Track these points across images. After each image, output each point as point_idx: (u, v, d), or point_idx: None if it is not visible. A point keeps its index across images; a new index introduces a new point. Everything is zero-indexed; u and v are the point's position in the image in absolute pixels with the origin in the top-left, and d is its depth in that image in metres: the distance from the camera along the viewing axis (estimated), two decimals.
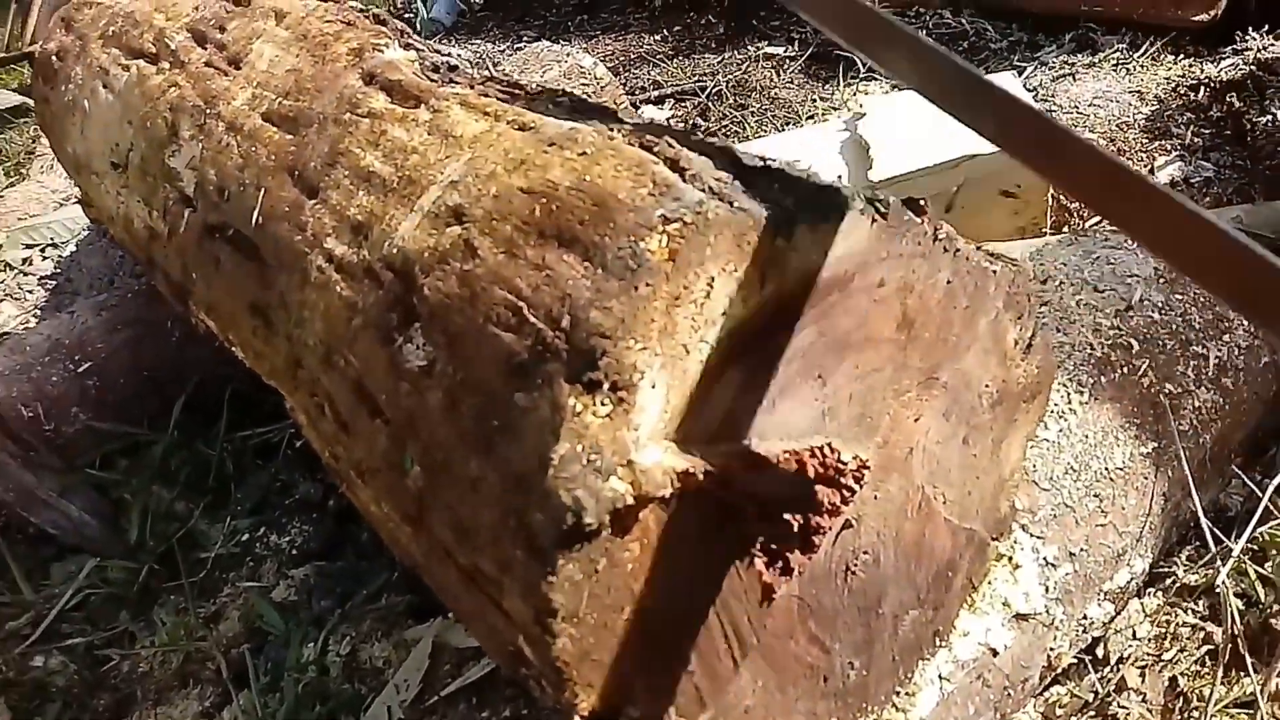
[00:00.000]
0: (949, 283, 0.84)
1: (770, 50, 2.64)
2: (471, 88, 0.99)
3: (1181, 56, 1.99)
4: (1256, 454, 1.24)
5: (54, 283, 2.80)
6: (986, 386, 0.92)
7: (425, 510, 0.76)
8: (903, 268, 0.79)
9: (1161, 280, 1.22)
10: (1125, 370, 1.14)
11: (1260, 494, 1.11)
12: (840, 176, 1.72)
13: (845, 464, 0.79)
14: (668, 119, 2.52)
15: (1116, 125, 1.85)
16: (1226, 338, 1.19)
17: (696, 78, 2.65)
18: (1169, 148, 1.79)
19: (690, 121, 2.46)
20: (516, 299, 0.69)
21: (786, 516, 0.71)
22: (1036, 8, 2.34)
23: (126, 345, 1.85)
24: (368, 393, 0.83)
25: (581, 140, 0.75)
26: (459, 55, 3.12)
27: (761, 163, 0.76)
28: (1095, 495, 1.08)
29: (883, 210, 0.76)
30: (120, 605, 1.70)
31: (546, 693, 0.70)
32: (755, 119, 2.39)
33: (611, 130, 0.79)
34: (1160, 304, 1.20)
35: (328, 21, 1.22)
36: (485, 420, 0.69)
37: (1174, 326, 1.18)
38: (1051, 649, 1.06)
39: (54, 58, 1.80)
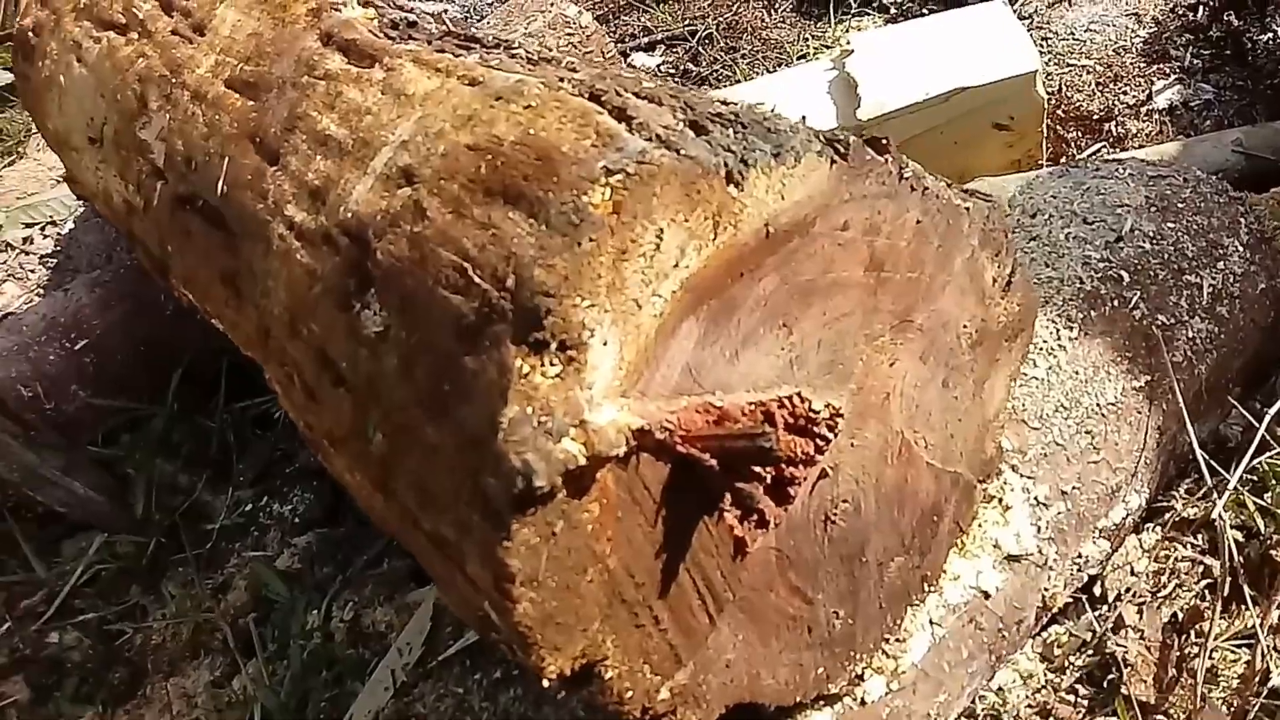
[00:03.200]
0: (919, 222, 0.82)
1: None
2: (429, 43, 0.96)
3: None
4: (1257, 382, 1.22)
5: (55, 261, 2.81)
6: (965, 327, 0.90)
7: (390, 477, 0.75)
8: (867, 209, 0.77)
9: (1153, 209, 1.19)
10: (1116, 303, 1.11)
11: (1257, 424, 1.08)
12: (830, 115, 1.68)
13: (817, 413, 0.77)
14: (658, 65, 2.47)
15: (1113, 50, 1.80)
16: (1221, 265, 1.16)
17: (686, 22, 2.59)
18: (1167, 71, 1.74)
19: (680, 68, 2.42)
20: (464, 260, 0.67)
21: (755, 469, 0.69)
22: None
23: (121, 321, 1.85)
24: (330, 360, 0.82)
25: (527, 93, 0.73)
26: (434, 6, 3.07)
27: (716, 108, 0.74)
28: (1087, 432, 1.06)
29: (842, 151, 0.73)
30: (130, 579, 1.73)
31: (517, 656, 0.69)
32: (746, 62, 2.34)
33: (561, 80, 0.76)
34: (1152, 233, 1.16)
35: None
36: (439, 384, 0.67)
37: (1166, 256, 1.15)
38: (1046, 589, 1.05)
39: (30, 33, 1.78)
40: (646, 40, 2.59)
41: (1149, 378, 1.10)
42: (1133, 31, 1.82)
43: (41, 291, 2.72)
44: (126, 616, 1.68)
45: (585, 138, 0.66)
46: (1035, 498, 1.03)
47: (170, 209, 1.18)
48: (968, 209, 0.86)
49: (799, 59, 2.28)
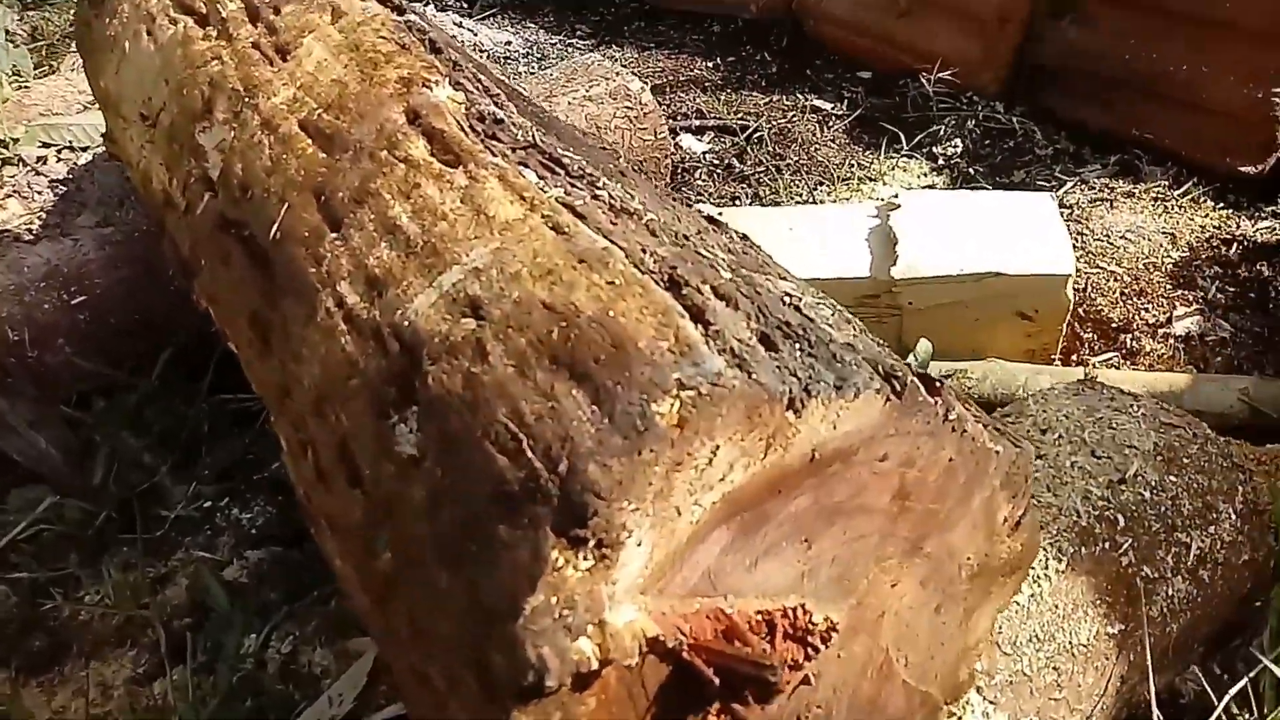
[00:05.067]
0: (951, 460, 0.83)
1: (818, 104, 2.62)
2: (513, 151, 0.97)
3: (1221, 205, 1.99)
4: (1219, 645, 1.24)
5: (64, 188, 2.77)
6: (969, 559, 0.91)
7: (390, 595, 0.75)
8: (908, 444, 0.78)
9: (1159, 458, 1.22)
10: (1107, 546, 1.14)
11: (1216, 700, 1.11)
12: (864, 263, 1.71)
13: (815, 625, 0.78)
14: (704, 153, 2.50)
15: (1144, 264, 1.85)
16: (1212, 529, 1.19)
17: (740, 115, 2.63)
18: (1190, 299, 1.79)
19: (726, 161, 2.44)
20: (518, 423, 0.67)
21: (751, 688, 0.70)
22: (1087, 120, 2.32)
23: (124, 284, 1.83)
24: (352, 457, 0.81)
25: (612, 267, 0.74)
26: (499, 35, 3.07)
27: (787, 315, 0.75)
28: (1054, 668, 1.08)
29: (898, 389, 0.75)
30: (71, 546, 1.69)
31: None
32: (790, 172, 2.37)
33: (643, 252, 0.77)
34: (1154, 483, 1.19)
35: (382, 37, 1.20)
36: (464, 537, 0.67)
37: (1162, 509, 1.18)
38: None
39: None
40: (698, 123, 2.62)
41: (1123, 626, 1.12)
42: (1165, 250, 1.87)
43: (44, 215, 2.68)
44: (58, 584, 1.64)
45: (664, 338, 0.67)
46: (985, 716, 1.05)
47: (214, 225, 1.17)
48: (998, 451, 0.87)
49: (842, 183, 2.32)
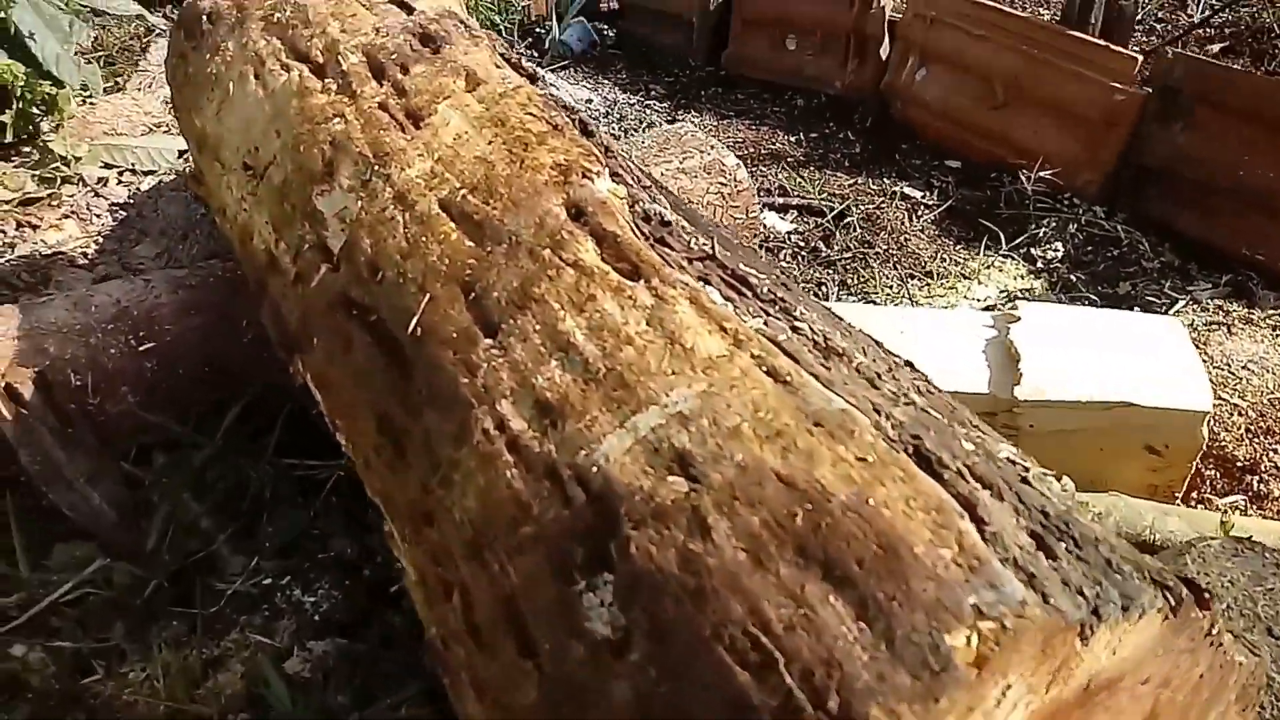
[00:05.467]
0: (1201, 676, 0.73)
1: (908, 191, 2.54)
2: (690, 263, 0.87)
3: None
4: None
5: (124, 213, 2.70)
6: None
7: None
8: (1170, 663, 0.68)
9: None
10: None
11: None
12: (983, 378, 1.61)
13: None
14: (788, 233, 2.41)
15: (1269, 399, 1.74)
16: None
17: (825, 196, 2.55)
18: None
19: (811, 244, 2.36)
20: (761, 631, 0.57)
21: None
22: (1193, 234, 2.24)
23: (195, 333, 1.73)
24: (522, 622, 0.70)
25: (858, 437, 0.63)
26: (580, 93, 2.99)
27: (1043, 504, 0.65)
28: None
29: (1174, 605, 0.64)
30: (118, 615, 1.57)
31: None
32: (879, 261, 2.28)
33: (878, 413, 0.67)
34: None
35: (530, 114, 1.11)
36: None
37: None
38: None
39: (204, 18, 1.69)
40: (782, 202, 2.54)
41: None
42: None
43: (101, 240, 2.60)
44: (101, 655, 1.53)
45: (944, 544, 0.56)
46: None
47: (334, 302, 1.08)
48: (1240, 663, 0.76)
49: (938, 280, 2.22)
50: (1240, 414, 1.73)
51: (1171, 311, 1.98)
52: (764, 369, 0.72)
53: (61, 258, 2.53)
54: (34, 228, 2.60)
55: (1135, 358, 1.58)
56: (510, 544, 0.73)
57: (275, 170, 1.31)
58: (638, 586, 0.64)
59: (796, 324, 0.81)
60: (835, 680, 0.53)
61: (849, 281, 2.22)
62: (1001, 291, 2.14)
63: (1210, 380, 1.70)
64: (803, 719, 0.53)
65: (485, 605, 0.74)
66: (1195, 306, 2.00)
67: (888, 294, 2.15)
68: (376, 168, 1.13)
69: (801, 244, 2.36)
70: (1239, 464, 1.67)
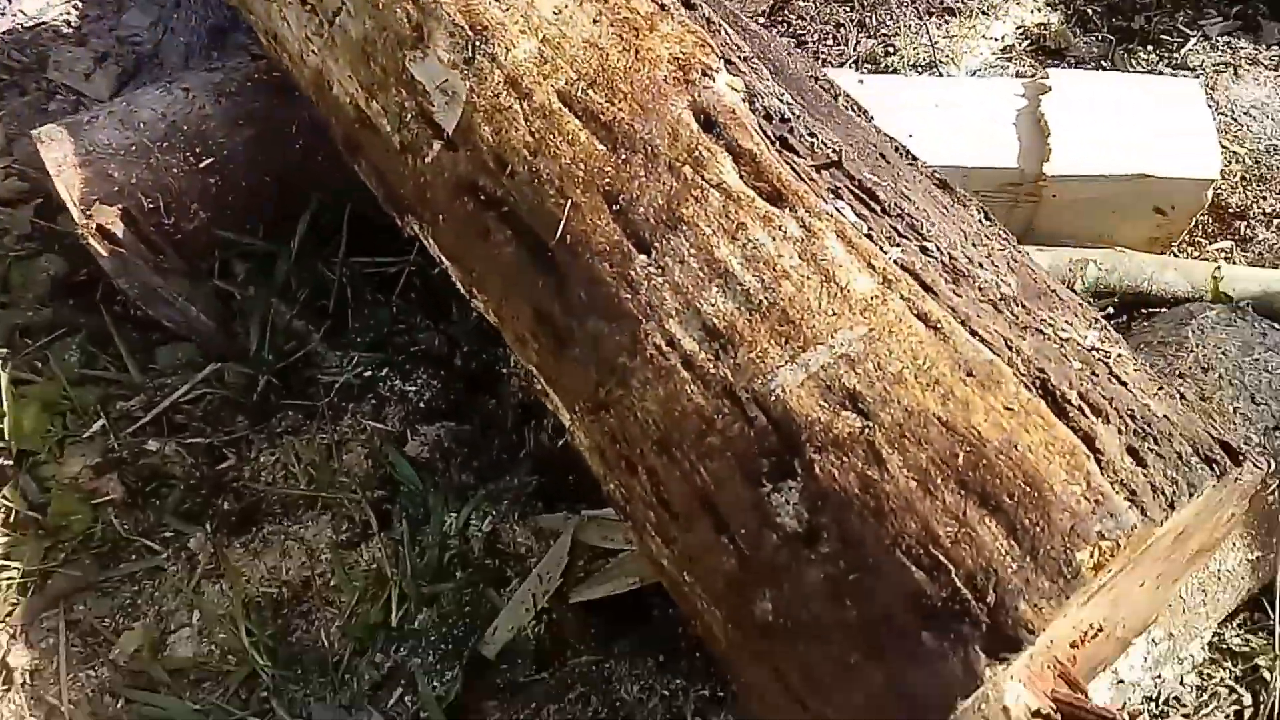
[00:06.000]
0: (1232, 515, 0.97)
1: None
2: (818, 172, 0.99)
3: None
4: None
5: None
6: (1194, 550, 1.07)
7: (769, 638, 0.89)
8: (1209, 512, 0.91)
9: None
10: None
11: None
12: (1012, 151, 1.73)
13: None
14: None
15: (1265, 146, 1.89)
16: None
17: None
18: None
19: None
20: (931, 543, 0.78)
21: None
22: None
23: (249, 145, 1.77)
24: (716, 509, 0.91)
25: (1005, 388, 0.81)
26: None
27: (1132, 411, 0.84)
28: (1203, 590, 1.29)
29: (1221, 474, 0.86)
30: (237, 411, 1.77)
31: None
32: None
33: (1013, 353, 0.84)
34: None
35: None
36: (877, 629, 0.80)
37: None
38: (1130, 699, 1.31)
39: None
40: None
41: (1260, 554, 1.32)
42: None
43: (80, 6, 2.48)
44: (231, 445, 1.75)
45: (1075, 483, 0.77)
46: (1152, 638, 1.26)
47: (459, 187, 1.17)
48: (1249, 477, 1.00)
49: (956, 16, 2.24)
50: (1238, 161, 1.89)
51: (1183, 52, 2.05)
52: (915, 313, 0.87)
53: (46, 29, 2.42)
54: None
55: (1154, 127, 1.70)
56: (699, 449, 0.92)
57: (350, 21, 1.31)
58: (824, 498, 0.84)
59: (925, 244, 0.94)
60: (992, 581, 0.75)
61: (866, 22, 2.23)
62: (1018, 27, 2.18)
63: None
64: (966, 605, 0.76)
65: (677, 491, 0.94)
66: (1206, 45, 2.07)
67: (909, 34, 2.18)
68: (478, 44, 1.16)
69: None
70: (1230, 211, 1.86)
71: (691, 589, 0.98)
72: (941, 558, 0.77)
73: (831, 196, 0.96)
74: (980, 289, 0.91)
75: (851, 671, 0.82)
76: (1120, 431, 0.81)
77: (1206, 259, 1.82)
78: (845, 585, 0.82)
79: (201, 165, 1.73)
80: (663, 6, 1.12)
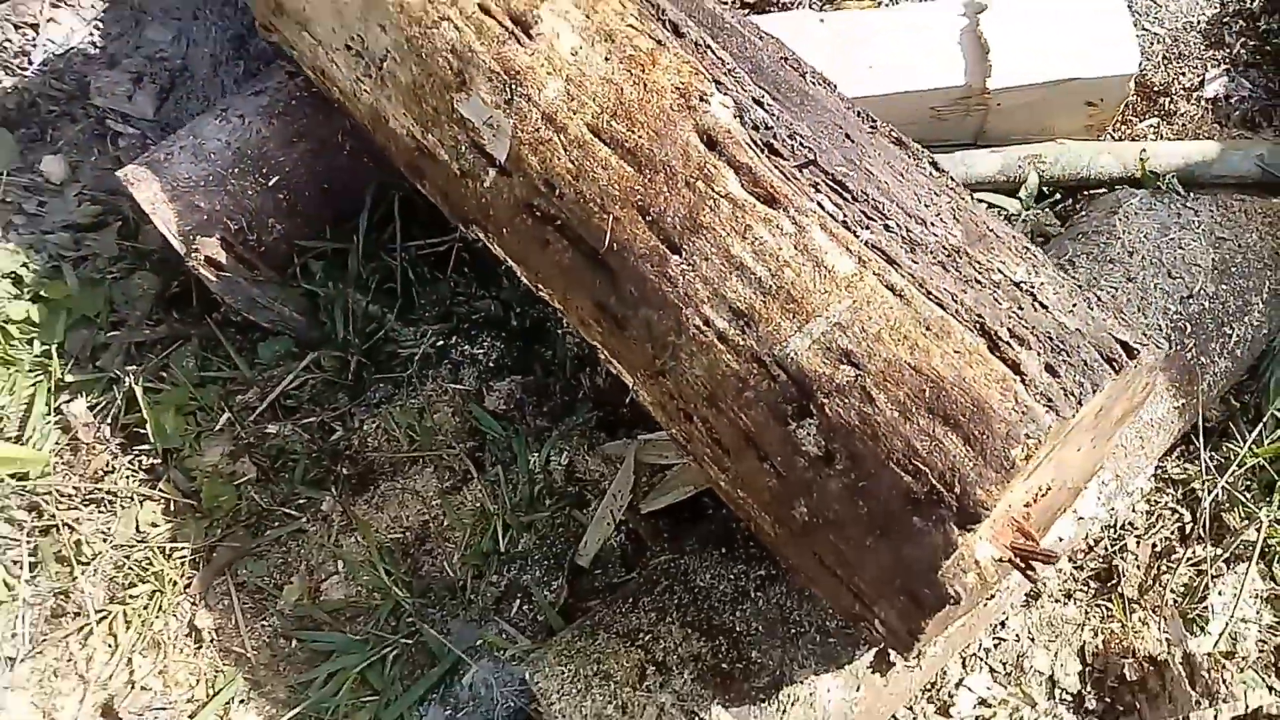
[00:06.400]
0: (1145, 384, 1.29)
1: None
2: (800, 171, 1.28)
3: None
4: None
5: None
6: (1119, 416, 1.41)
7: (808, 534, 1.23)
8: (1112, 399, 1.24)
9: (1216, 271, 1.68)
10: (1178, 347, 1.64)
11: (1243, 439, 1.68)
12: (959, 70, 1.99)
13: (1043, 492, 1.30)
14: None
15: (1182, 25, 2.13)
16: (1247, 319, 1.69)
17: None
18: (1219, 59, 2.11)
19: None
20: (913, 454, 1.11)
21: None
22: None
23: (305, 159, 2.04)
24: (758, 444, 1.25)
25: (955, 338, 1.13)
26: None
27: (1051, 329, 1.16)
28: (1140, 437, 1.63)
29: (1119, 368, 1.18)
30: (337, 390, 2.10)
31: (883, 640, 1.24)
32: None
33: (957, 305, 1.15)
34: (1211, 294, 1.67)
35: (631, 27, 1.40)
36: (881, 518, 1.14)
37: (1216, 313, 1.66)
38: (1091, 529, 1.67)
39: None
40: None
41: (1185, 401, 1.66)
42: (1199, 6, 2.14)
43: (100, 26, 2.68)
44: (338, 420, 2.08)
45: (1007, 401, 1.09)
46: (1102, 480, 1.62)
47: (517, 207, 1.46)
48: (1152, 358, 1.33)
49: None
50: (1159, 42, 2.14)
51: None
52: (885, 285, 1.18)
53: (77, 55, 2.63)
54: (33, 27, 2.66)
55: (1080, 31, 1.95)
56: (739, 402, 1.25)
57: (397, 68, 1.57)
58: (835, 430, 1.17)
59: (887, 222, 1.24)
60: (957, 478, 1.09)
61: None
62: None
63: (1136, 11, 2.09)
64: (941, 496, 1.09)
65: (726, 433, 1.28)
66: None
67: None
68: (515, 87, 1.43)
69: None
70: (1155, 89, 2.12)
71: (745, 501, 1.32)
72: (921, 464, 1.11)
73: (813, 191, 1.26)
74: (932, 252, 1.22)
75: (867, 550, 1.17)
76: (1039, 354, 1.13)
77: (1137, 138, 2.09)
78: (856, 490, 1.16)
79: (270, 184, 2.01)
80: (659, 41, 1.38)
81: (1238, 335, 1.68)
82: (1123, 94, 2.00)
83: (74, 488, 2.04)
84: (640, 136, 1.34)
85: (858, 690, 1.46)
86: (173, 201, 1.96)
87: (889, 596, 1.18)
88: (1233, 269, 1.69)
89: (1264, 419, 1.72)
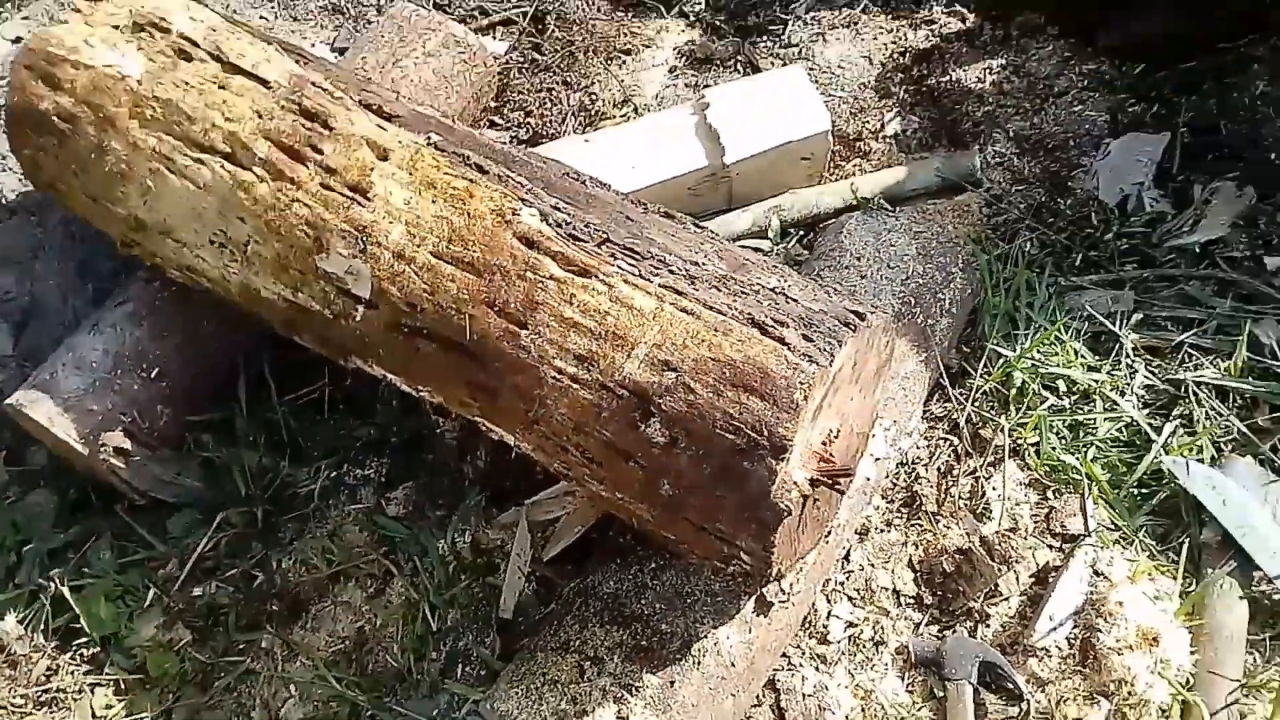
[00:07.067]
0: (886, 343, 1.77)
1: None
2: (600, 247, 1.71)
3: (894, 19, 2.89)
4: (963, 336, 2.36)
5: None
6: (875, 368, 1.88)
7: (677, 508, 1.62)
8: (860, 355, 1.71)
9: (920, 255, 2.23)
10: (910, 317, 2.16)
11: (972, 371, 2.21)
12: (701, 155, 2.52)
13: (834, 436, 1.74)
14: (507, 51, 3.06)
15: (859, 85, 2.76)
16: (952, 285, 2.24)
17: (514, 3, 3.16)
18: (892, 105, 2.75)
19: (529, 57, 3.03)
20: (731, 418, 1.53)
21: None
22: None
23: (179, 347, 2.32)
24: (619, 450, 1.64)
25: (735, 331, 1.57)
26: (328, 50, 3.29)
27: (803, 313, 1.62)
28: (903, 388, 2.13)
29: (854, 327, 1.65)
30: (250, 540, 2.33)
31: (751, 569, 1.63)
32: (584, 53, 3.01)
33: (735, 305, 1.60)
34: (920, 272, 2.21)
35: (447, 174, 1.81)
36: (725, 470, 1.55)
37: (928, 285, 2.21)
38: (889, 467, 2.14)
39: (55, 118, 2.10)
40: (486, 22, 3.14)
41: (925, 355, 2.17)
42: (868, 70, 2.79)
43: None
44: (258, 566, 2.32)
45: (781, 363, 1.53)
46: (885, 426, 2.09)
47: (388, 330, 1.82)
48: (881, 325, 1.81)
49: (624, 54, 3.00)
50: (844, 102, 2.76)
51: (785, 32, 2.89)
52: (679, 309, 1.61)
53: (70, 356, 2.79)
54: None
55: (783, 107, 2.53)
56: (599, 423, 1.64)
57: (261, 247, 1.92)
58: (673, 420, 1.57)
59: (671, 269, 1.68)
60: (764, 425, 1.51)
61: (570, 80, 2.95)
62: (675, 49, 2.96)
63: (822, 83, 2.69)
64: (757, 442, 1.51)
65: (596, 450, 1.66)
66: (799, 23, 2.92)
67: (601, 81, 2.92)
68: (365, 238, 1.81)
69: (523, 61, 3.02)
70: (850, 136, 2.72)
71: (623, 500, 1.70)
72: (737, 423, 1.53)
73: (612, 259, 1.69)
74: (707, 281, 1.66)
75: (718, 499, 1.57)
76: (796, 329, 1.59)
77: (846, 176, 2.67)
78: (699, 458, 1.57)
79: (152, 375, 2.27)
80: (471, 180, 1.80)
81: (949, 298, 2.23)
82: (826, 146, 2.58)
83: (21, 696, 2.17)
84: (475, 251, 1.74)
85: (750, 632, 1.83)
86: (68, 412, 2.19)
87: (743, 527, 1.58)
88: (932, 250, 2.25)
89: (984, 354, 2.25)
